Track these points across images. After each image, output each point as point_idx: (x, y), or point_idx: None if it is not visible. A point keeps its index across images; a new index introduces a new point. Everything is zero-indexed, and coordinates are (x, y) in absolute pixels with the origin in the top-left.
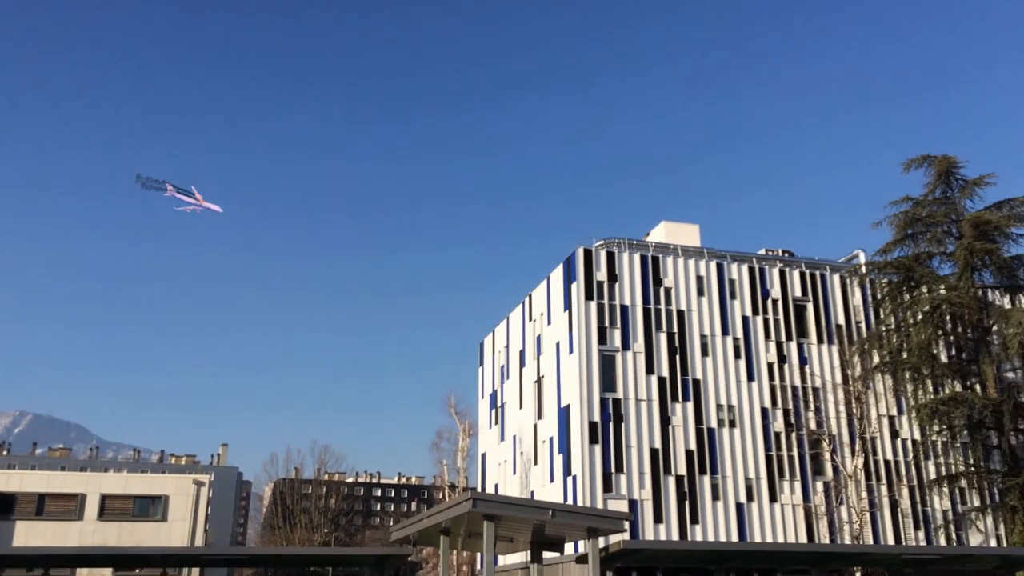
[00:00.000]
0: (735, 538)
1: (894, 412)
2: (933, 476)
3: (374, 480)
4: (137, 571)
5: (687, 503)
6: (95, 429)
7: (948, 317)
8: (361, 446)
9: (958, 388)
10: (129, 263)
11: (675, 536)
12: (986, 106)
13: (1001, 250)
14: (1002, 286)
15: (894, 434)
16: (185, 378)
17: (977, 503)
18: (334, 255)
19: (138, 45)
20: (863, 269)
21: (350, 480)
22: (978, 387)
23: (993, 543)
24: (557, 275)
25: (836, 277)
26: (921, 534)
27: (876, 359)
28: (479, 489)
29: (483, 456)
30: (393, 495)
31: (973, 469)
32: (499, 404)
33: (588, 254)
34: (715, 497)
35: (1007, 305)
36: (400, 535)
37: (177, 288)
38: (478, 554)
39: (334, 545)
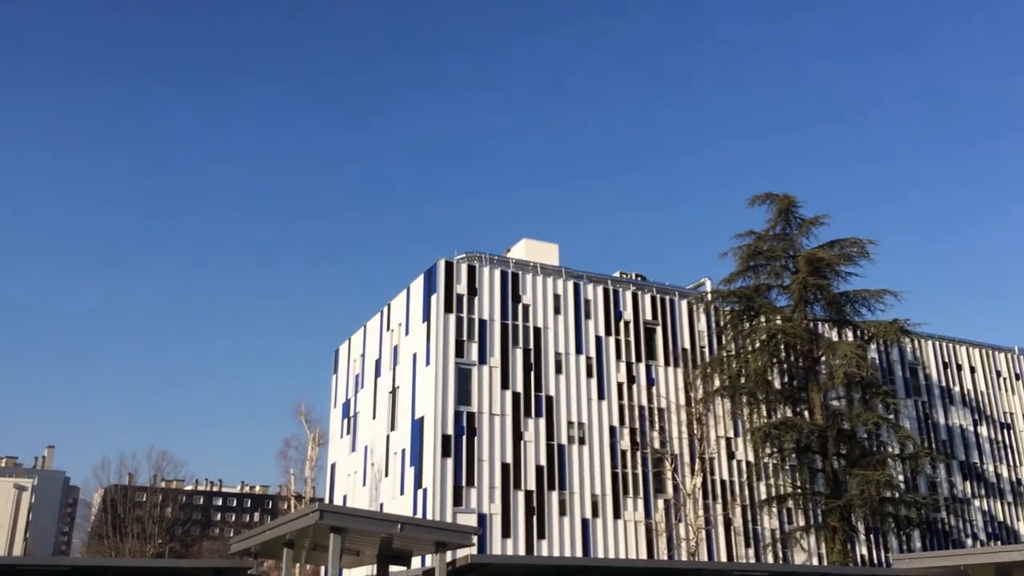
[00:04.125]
0: (580, 553)
1: (731, 434)
2: (764, 496)
3: (215, 488)
4: None
5: (535, 518)
6: None
7: (782, 346)
8: (203, 453)
9: (789, 413)
10: None
11: (522, 551)
12: (827, 148)
13: (831, 286)
14: (830, 319)
15: (730, 455)
16: (4, 368)
17: (802, 523)
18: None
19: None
20: (709, 296)
21: (189, 488)
22: (806, 413)
23: (815, 561)
24: (417, 286)
25: (684, 303)
26: (752, 551)
27: (717, 383)
28: (327, 500)
29: (332, 467)
30: (235, 504)
31: (800, 491)
32: (352, 414)
33: (449, 266)
34: (562, 512)
35: (835, 337)
36: (240, 547)
37: None
38: (322, 567)
39: (168, 556)
